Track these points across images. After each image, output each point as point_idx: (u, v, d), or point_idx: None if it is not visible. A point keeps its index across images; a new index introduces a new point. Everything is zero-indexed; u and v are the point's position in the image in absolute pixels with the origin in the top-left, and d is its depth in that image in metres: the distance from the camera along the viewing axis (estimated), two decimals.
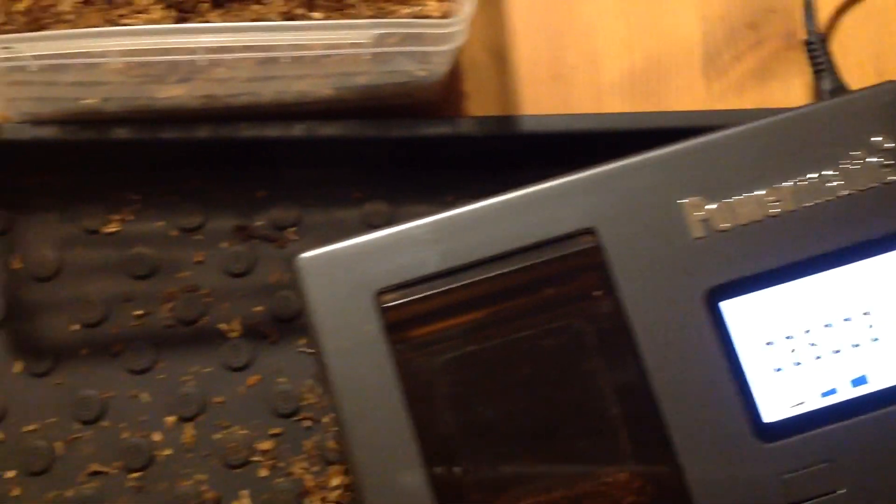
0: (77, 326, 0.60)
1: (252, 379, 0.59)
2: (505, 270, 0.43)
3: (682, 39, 0.66)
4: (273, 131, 0.59)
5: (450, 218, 0.43)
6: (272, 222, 0.62)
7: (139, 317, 0.60)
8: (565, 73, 0.65)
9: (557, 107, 0.65)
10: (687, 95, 0.65)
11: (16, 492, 0.58)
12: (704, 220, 0.43)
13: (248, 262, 0.61)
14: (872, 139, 0.44)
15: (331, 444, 0.58)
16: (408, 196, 0.63)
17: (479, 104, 0.65)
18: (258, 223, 0.62)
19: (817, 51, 0.59)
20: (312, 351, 0.44)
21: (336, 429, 0.42)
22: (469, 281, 0.43)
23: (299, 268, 0.43)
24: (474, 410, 0.43)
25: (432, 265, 0.43)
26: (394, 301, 0.43)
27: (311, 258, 0.43)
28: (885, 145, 0.44)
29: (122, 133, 0.59)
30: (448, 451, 0.42)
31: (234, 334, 0.60)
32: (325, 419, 0.59)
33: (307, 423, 0.59)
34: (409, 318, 0.43)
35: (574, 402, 0.43)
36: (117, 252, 0.61)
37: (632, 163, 0.43)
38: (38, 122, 0.59)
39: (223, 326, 0.60)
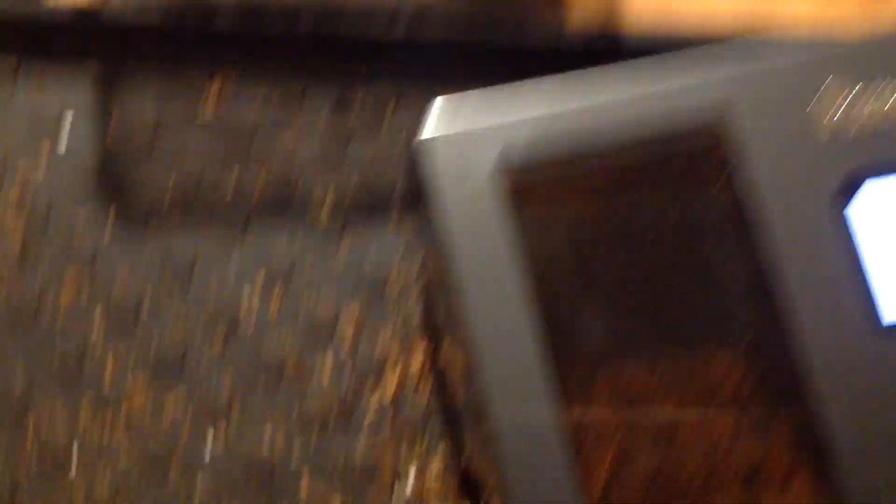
0: (171, 189, 0.61)
1: (344, 247, 0.60)
2: (630, 157, 0.44)
3: None
4: (376, 30, 0.59)
5: (579, 104, 0.43)
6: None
7: (235, 182, 0.61)
8: None
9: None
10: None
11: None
12: (840, 118, 0.43)
13: (347, 135, 0.62)
14: None
15: (416, 318, 0.60)
16: None
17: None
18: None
19: None
20: (428, 233, 0.44)
21: (451, 304, 0.42)
22: (594, 164, 0.44)
23: (419, 149, 0.43)
24: (593, 293, 0.44)
25: (557, 147, 0.43)
26: (516, 179, 0.43)
27: (433, 138, 0.43)
28: None
29: (223, 24, 0.60)
30: (565, 330, 0.43)
31: (328, 204, 0.60)
32: (414, 294, 0.60)
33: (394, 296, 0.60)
34: (529, 197, 0.44)
35: (694, 293, 0.43)
36: (215, 115, 0.62)
37: (767, 57, 0.43)
38: (141, 8, 0.60)
39: (317, 194, 0.61)
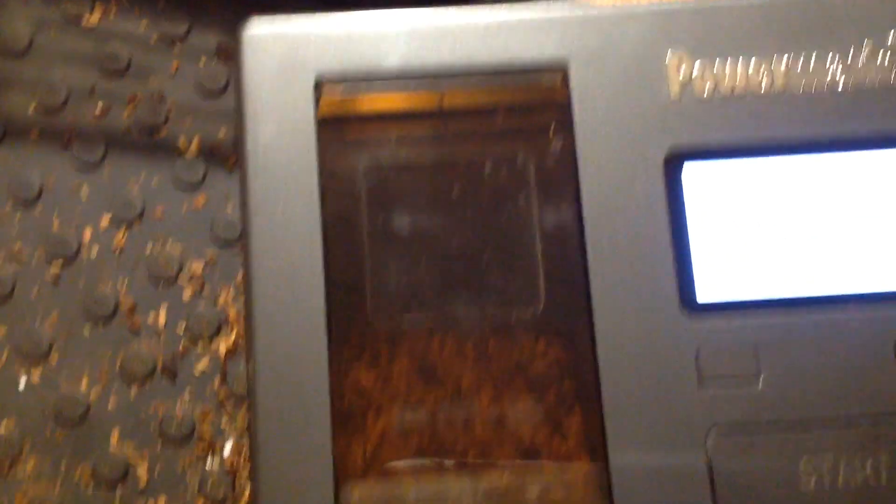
0: (34, 108, 0.58)
1: (199, 200, 0.57)
2: (461, 86, 0.40)
3: None
4: None
5: (420, 16, 0.40)
6: None
7: (99, 113, 0.58)
8: None
9: None
10: None
11: None
12: (687, 82, 0.40)
13: (222, 84, 0.59)
14: (889, 35, 0.41)
15: None
16: None
17: None
18: None
19: None
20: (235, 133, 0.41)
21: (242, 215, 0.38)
22: (418, 88, 0.40)
23: (243, 37, 0.40)
24: (391, 226, 0.40)
25: (387, 62, 0.40)
26: (334, 93, 0.40)
27: (259, 28, 0.40)
28: None
29: None
30: (356, 268, 0.40)
31: (192, 153, 0.57)
32: None
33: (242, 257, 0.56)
34: (345, 113, 0.40)
35: (499, 240, 0.40)
36: (93, 44, 0.59)
37: (625, 7, 0.40)
38: None
39: (182, 141, 0.58)
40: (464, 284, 0.40)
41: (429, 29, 0.40)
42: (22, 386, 0.54)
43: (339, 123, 0.40)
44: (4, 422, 0.53)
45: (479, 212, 0.40)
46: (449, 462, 0.38)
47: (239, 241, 0.56)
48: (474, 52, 0.40)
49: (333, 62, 0.40)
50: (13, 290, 0.55)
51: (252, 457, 0.36)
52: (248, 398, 0.37)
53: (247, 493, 0.52)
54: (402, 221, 0.40)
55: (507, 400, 0.38)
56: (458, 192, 0.40)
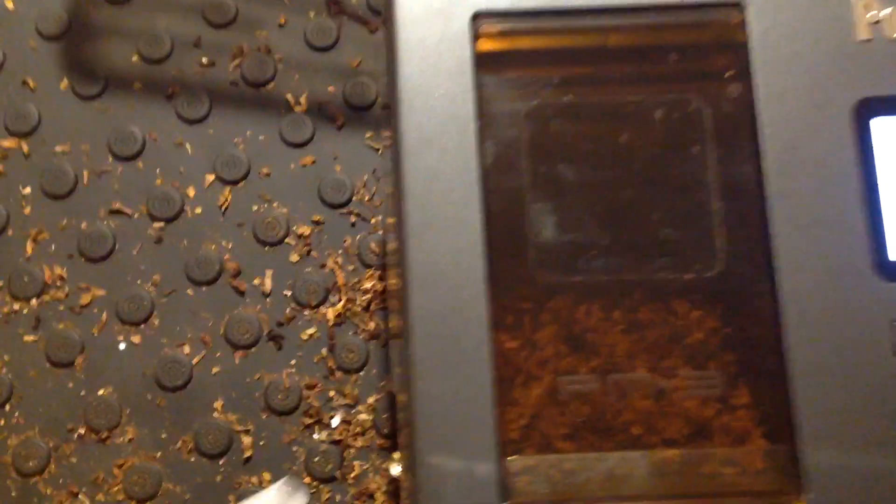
0: (137, 58, 0.55)
1: (307, 159, 0.54)
2: (627, 23, 0.37)
3: None
4: None
5: None
6: (369, 3, 0.57)
7: (204, 65, 0.55)
8: None
9: None
10: None
11: (27, 209, 0.53)
12: (876, 24, 0.37)
13: (332, 38, 0.56)
14: None
15: (373, 246, 0.53)
16: None
17: None
18: (354, 0, 0.57)
19: None
20: (387, 69, 0.38)
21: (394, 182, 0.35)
22: (584, 25, 0.37)
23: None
24: (552, 173, 0.37)
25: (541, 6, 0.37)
26: (492, 28, 0.37)
27: None
28: None
29: None
30: (516, 215, 0.36)
31: (300, 108, 0.54)
32: (374, 220, 0.53)
33: (353, 219, 0.53)
34: (504, 51, 0.37)
35: (669, 193, 0.36)
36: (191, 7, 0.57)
37: None
38: None
39: (289, 97, 0.55)
40: (631, 240, 0.36)
41: None
42: (122, 349, 0.51)
43: (497, 62, 0.37)
44: (103, 387, 0.51)
45: (647, 161, 0.37)
46: (614, 436, 0.35)
47: (346, 205, 0.53)
48: None
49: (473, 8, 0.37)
50: (113, 249, 0.52)
51: (408, 423, 0.33)
52: (400, 359, 0.34)
53: (356, 469, 0.50)
54: (564, 168, 0.37)
55: (677, 370, 0.35)
56: (625, 139, 0.37)
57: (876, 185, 0.35)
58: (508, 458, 0.33)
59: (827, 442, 0.33)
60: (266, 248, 0.52)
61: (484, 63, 0.36)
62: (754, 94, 0.36)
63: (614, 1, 0.36)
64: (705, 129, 0.36)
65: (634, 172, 0.36)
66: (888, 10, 0.36)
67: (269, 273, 0.52)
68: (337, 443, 0.50)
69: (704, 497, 0.34)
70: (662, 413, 0.35)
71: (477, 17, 0.36)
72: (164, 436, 0.50)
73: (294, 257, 0.52)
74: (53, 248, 0.52)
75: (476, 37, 0.36)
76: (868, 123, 0.35)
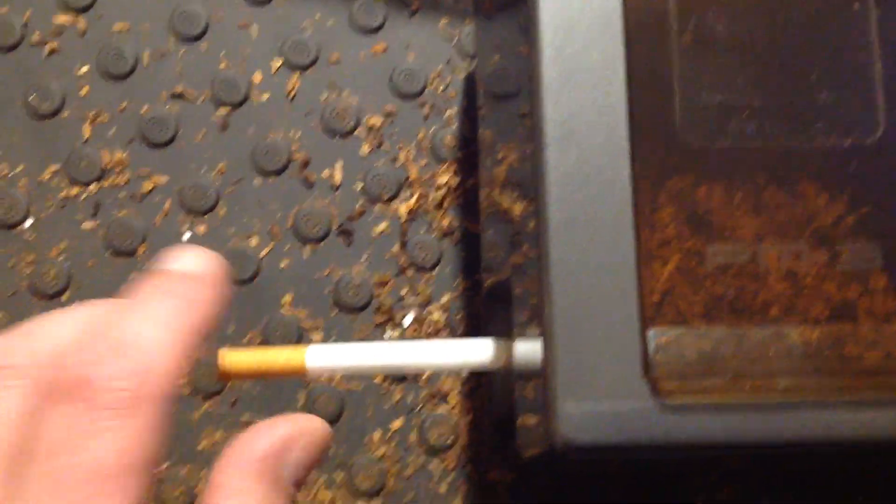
0: None
1: (379, 46, 0.51)
2: None
3: None
4: None
5: None
6: None
7: None
8: None
9: None
10: None
11: (84, 91, 0.50)
12: None
13: None
14: None
15: (448, 139, 0.51)
16: None
17: None
18: None
19: None
20: None
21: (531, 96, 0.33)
22: None
23: None
24: (704, 29, 0.35)
25: None
26: None
27: None
28: None
29: None
30: (663, 72, 0.34)
31: None
32: (450, 112, 0.51)
33: (426, 111, 0.51)
34: None
35: (828, 53, 0.34)
36: None
37: None
38: None
39: None
40: (786, 103, 0.35)
41: None
42: (186, 239, 0.50)
43: None
44: None
45: (804, 15, 0.35)
46: (757, 316, 0.34)
47: (419, 95, 0.51)
48: None
49: None
50: (176, 135, 0.50)
51: (543, 295, 0.32)
52: (537, 231, 0.32)
53: (426, 374, 0.49)
54: (715, 22, 0.35)
55: (823, 248, 0.34)
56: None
57: None
58: (649, 332, 0.32)
59: None
60: (336, 139, 0.50)
61: None
62: None
63: None
64: None
65: (790, 26, 0.34)
66: None
67: (338, 165, 0.50)
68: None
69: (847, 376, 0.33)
70: (809, 291, 0.34)
71: None
72: (231, 330, 0.49)
73: (365, 149, 0.50)
74: (113, 131, 0.50)
75: None
76: None
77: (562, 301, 0.31)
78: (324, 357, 0.37)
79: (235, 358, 0.36)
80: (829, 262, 0.33)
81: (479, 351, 0.37)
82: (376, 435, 0.48)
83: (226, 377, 0.36)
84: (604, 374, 0.31)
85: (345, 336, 0.48)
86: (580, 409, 0.30)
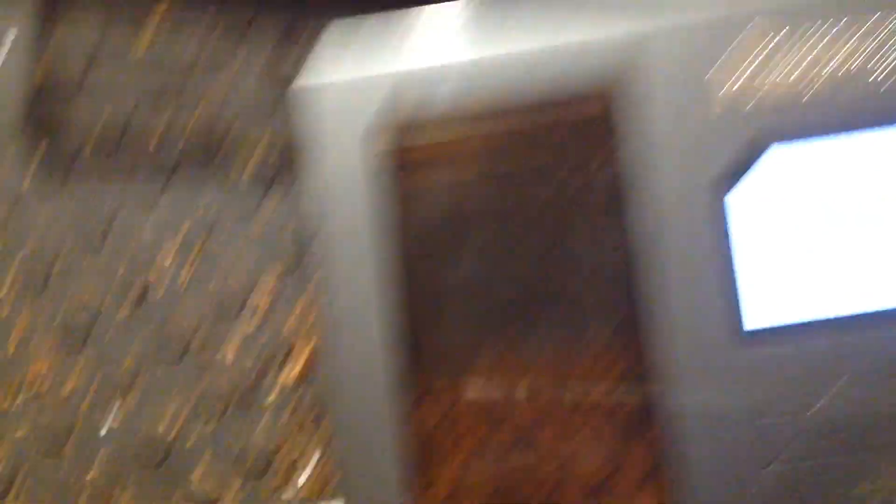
0: (91, 148, 0.59)
1: (258, 229, 0.58)
2: (510, 121, 0.40)
3: None
4: None
5: (464, 60, 0.40)
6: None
7: (155, 147, 0.59)
8: None
9: None
10: None
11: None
12: (732, 96, 0.39)
13: (270, 111, 0.59)
14: None
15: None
16: None
17: None
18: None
19: None
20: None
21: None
22: (471, 126, 0.40)
23: (299, 97, 0.40)
24: (454, 264, 0.40)
25: (440, 104, 0.40)
26: (390, 138, 0.40)
27: (312, 87, 0.40)
28: None
29: None
30: (422, 306, 0.40)
31: (247, 179, 0.58)
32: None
33: (305, 282, 0.57)
34: (402, 158, 0.40)
35: (559, 270, 0.40)
36: (143, 75, 0.60)
37: (666, 24, 0.39)
38: None
39: (236, 170, 0.58)
40: (523, 319, 0.40)
41: (475, 66, 0.40)
42: (104, 431, 0.56)
43: (396, 167, 0.40)
44: (94, 465, 0.55)
45: (535, 245, 0.40)
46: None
47: (297, 269, 0.57)
48: (520, 85, 0.40)
49: (387, 110, 0.40)
50: (92, 324, 0.57)
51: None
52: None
53: None
54: (462, 257, 0.40)
55: (573, 439, 0.39)
56: (514, 226, 0.40)
57: (733, 253, 0.38)
58: None
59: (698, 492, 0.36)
60: (226, 321, 0.57)
61: (386, 169, 0.39)
62: (627, 173, 0.39)
63: (495, 100, 0.39)
64: (588, 211, 0.40)
65: (524, 257, 0.40)
66: (743, 81, 0.39)
67: (231, 342, 0.56)
68: (308, 499, 0.54)
69: None
70: (565, 477, 0.39)
71: (375, 129, 0.40)
72: None
73: (251, 327, 0.56)
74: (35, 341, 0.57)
75: (377, 147, 0.39)
76: (727, 193, 0.38)
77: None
78: None
79: None
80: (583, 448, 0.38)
81: None
82: None
83: None
84: None
85: (254, 499, 0.54)
86: None
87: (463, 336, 0.40)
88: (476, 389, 0.40)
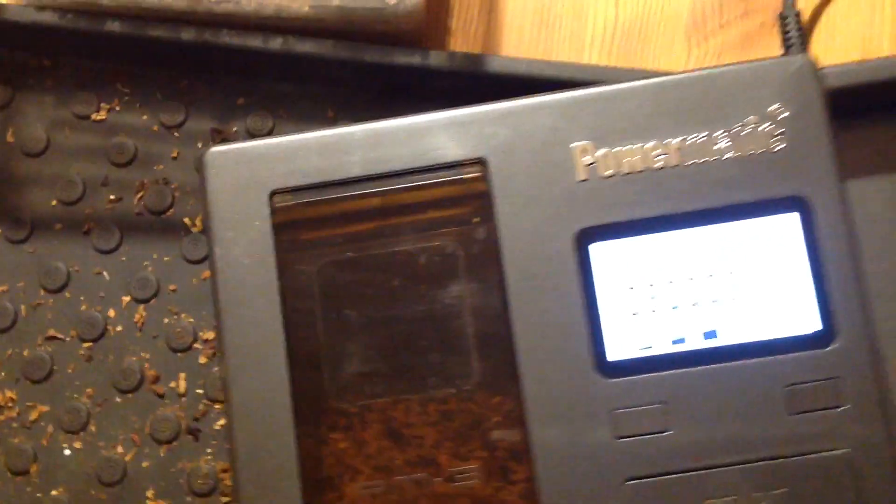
0: (55, 202, 0.65)
1: (206, 273, 0.63)
2: (393, 187, 0.46)
3: (671, 1, 0.67)
4: (253, 42, 0.62)
5: (353, 132, 0.46)
6: (247, 130, 0.65)
7: (113, 201, 0.64)
8: (551, 22, 0.67)
9: (538, 54, 0.67)
10: (667, 57, 0.66)
11: None
12: (591, 165, 0.45)
13: None
14: (770, 107, 0.45)
15: None
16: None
17: (463, 41, 0.67)
18: (234, 129, 0.65)
19: (789, 25, 0.59)
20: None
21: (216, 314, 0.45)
22: (358, 193, 0.46)
23: (205, 161, 0.46)
24: (344, 316, 0.46)
25: (328, 173, 0.45)
26: (286, 203, 0.46)
27: (218, 153, 0.46)
28: (781, 115, 0.44)
29: (114, 26, 0.63)
30: (315, 353, 0.45)
31: (196, 229, 0.64)
32: None
33: None
34: (297, 220, 0.46)
35: (439, 320, 0.45)
36: (102, 139, 0.66)
37: (532, 102, 0.45)
38: (41, 6, 0.63)
39: (187, 221, 0.64)
40: (408, 363, 0.45)
41: (360, 141, 0.46)
42: (67, 455, 0.61)
43: (292, 228, 0.46)
44: (55, 489, 0.60)
45: (418, 297, 0.46)
46: None
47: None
48: (401, 156, 0.45)
49: (284, 177, 0.46)
50: (52, 370, 0.62)
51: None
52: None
53: None
54: (351, 309, 0.46)
55: (460, 458, 0.44)
56: (399, 281, 0.46)
57: (595, 298, 0.44)
58: None
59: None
60: (178, 355, 0.62)
61: (282, 230, 0.45)
62: (498, 233, 0.44)
63: (378, 169, 0.45)
64: (463, 266, 0.45)
65: (408, 308, 0.45)
66: (602, 152, 0.44)
67: (182, 376, 0.61)
68: None
69: None
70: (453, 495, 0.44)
71: (272, 195, 0.45)
72: None
73: (202, 359, 0.62)
74: (3, 374, 0.62)
75: (274, 210, 0.45)
76: (587, 248, 0.44)
77: None
78: None
79: None
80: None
81: None
82: None
83: None
84: None
85: None
86: None
87: (357, 370, 0.46)
88: (369, 417, 0.45)
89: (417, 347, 0.45)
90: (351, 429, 0.44)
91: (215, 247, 0.45)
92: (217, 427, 0.61)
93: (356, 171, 0.45)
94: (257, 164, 0.45)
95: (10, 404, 0.62)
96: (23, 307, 0.63)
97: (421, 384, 0.45)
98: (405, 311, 0.45)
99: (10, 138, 0.66)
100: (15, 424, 0.62)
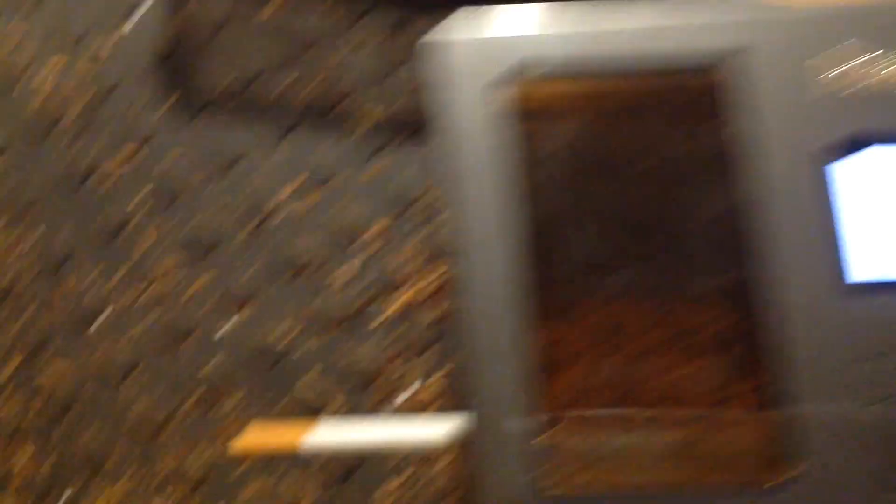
0: (229, 81, 0.64)
1: (377, 167, 0.63)
2: (628, 80, 0.45)
3: None
4: None
5: (593, 16, 0.45)
6: None
7: (288, 87, 0.64)
8: None
9: None
10: None
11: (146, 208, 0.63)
12: (830, 82, 0.44)
13: (399, 60, 0.63)
14: None
15: (439, 241, 0.61)
16: None
17: None
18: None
19: None
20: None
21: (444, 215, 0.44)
22: (598, 81, 0.45)
23: (433, 46, 0.45)
24: (578, 206, 0.45)
25: (560, 57, 0.45)
26: (520, 86, 0.45)
27: (446, 39, 0.45)
28: None
29: None
30: (549, 235, 0.45)
31: (370, 124, 0.63)
32: (439, 219, 0.62)
33: (420, 219, 0.62)
34: (530, 104, 0.45)
35: (674, 223, 0.45)
36: (282, 20, 0.64)
37: (787, 14, 0.44)
38: None
39: (361, 113, 0.63)
40: (646, 253, 0.45)
41: (602, 30, 0.44)
42: (231, 326, 0.61)
43: (524, 112, 0.45)
44: (209, 364, 0.61)
45: (654, 190, 0.45)
46: (633, 413, 0.43)
47: (411, 206, 0.62)
48: (642, 50, 0.44)
49: (516, 60, 0.45)
50: (216, 243, 0.62)
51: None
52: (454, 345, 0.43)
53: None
54: (591, 202, 0.45)
55: (686, 360, 0.44)
56: (635, 173, 0.45)
57: (837, 214, 0.43)
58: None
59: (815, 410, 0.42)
60: (345, 243, 0.61)
61: (518, 113, 0.44)
62: (740, 136, 0.43)
63: (618, 62, 0.44)
64: (700, 172, 0.44)
65: (644, 198, 0.44)
66: (841, 69, 0.43)
67: (348, 264, 0.61)
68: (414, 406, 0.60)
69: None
70: (677, 397, 0.43)
71: (503, 79, 0.44)
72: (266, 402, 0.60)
73: (370, 252, 0.61)
74: (166, 245, 0.62)
75: (515, 87, 0.44)
76: (830, 162, 0.43)
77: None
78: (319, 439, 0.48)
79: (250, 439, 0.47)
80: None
81: (434, 428, 0.48)
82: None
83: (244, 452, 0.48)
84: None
85: (355, 410, 0.59)
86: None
87: (582, 265, 0.45)
88: (594, 311, 0.44)
89: (647, 242, 0.45)
90: (581, 316, 0.44)
91: (438, 134, 0.44)
92: (382, 321, 0.61)
93: (599, 65, 0.44)
94: (486, 54, 0.45)
95: (171, 276, 0.62)
96: (192, 182, 0.63)
97: (656, 279, 0.44)
98: (635, 206, 0.45)
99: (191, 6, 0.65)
100: (175, 298, 0.62)
